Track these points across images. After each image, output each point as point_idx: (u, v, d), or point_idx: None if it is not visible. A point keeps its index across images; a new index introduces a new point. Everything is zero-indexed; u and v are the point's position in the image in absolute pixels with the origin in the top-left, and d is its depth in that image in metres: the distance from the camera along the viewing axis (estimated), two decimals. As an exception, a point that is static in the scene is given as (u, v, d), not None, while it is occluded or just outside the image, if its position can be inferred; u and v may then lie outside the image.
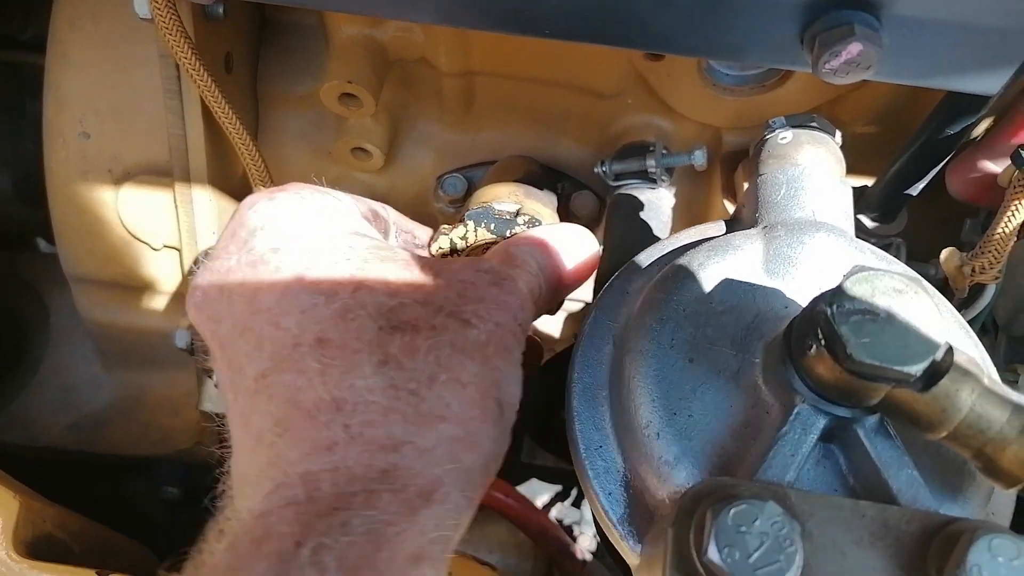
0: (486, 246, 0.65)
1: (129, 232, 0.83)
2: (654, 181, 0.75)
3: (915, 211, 0.71)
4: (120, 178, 0.81)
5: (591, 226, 0.82)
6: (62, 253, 0.88)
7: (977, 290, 0.61)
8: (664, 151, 0.74)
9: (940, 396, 0.36)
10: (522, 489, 1.09)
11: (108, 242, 0.85)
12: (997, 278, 0.59)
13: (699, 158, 0.72)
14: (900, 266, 0.49)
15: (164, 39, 0.65)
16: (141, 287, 0.89)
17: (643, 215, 0.73)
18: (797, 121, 0.52)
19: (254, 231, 0.40)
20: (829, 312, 0.36)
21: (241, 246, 0.40)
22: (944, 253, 0.60)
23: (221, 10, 0.70)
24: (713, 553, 0.33)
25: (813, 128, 0.52)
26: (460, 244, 0.65)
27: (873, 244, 0.70)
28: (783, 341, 0.41)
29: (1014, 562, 0.34)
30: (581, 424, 0.46)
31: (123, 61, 0.78)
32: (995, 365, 0.64)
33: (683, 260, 0.47)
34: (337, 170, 0.84)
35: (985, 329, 0.67)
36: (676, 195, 0.82)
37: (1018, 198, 0.55)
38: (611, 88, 0.76)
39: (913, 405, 0.37)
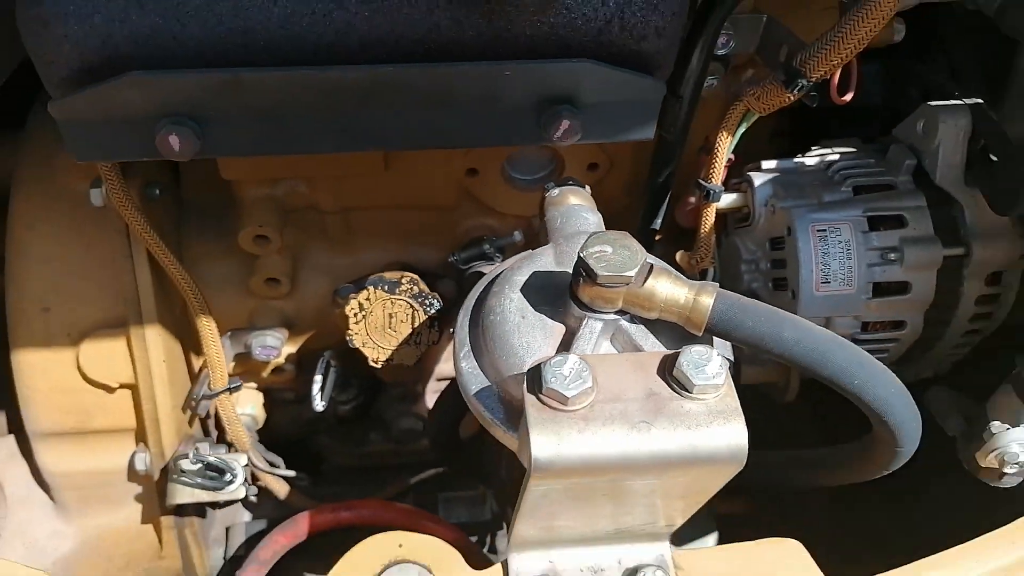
0: (385, 303, 0.91)
1: (88, 380, 1.02)
2: (492, 259, 1.05)
3: (667, 244, 1.04)
4: (78, 338, 1.01)
5: (457, 303, 1.09)
6: (26, 414, 1.05)
7: (704, 273, 0.93)
8: (494, 237, 1.05)
9: (648, 289, 0.65)
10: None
11: (69, 394, 1.03)
12: (712, 263, 0.91)
13: (517, 236, 1.03)
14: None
15: (121, 213, 0.90)
16: (98, 430, 1.07)
17: (489, 283, 1.02)
18: (561, 182, 0.84)
19: None
20: (581, 256, 0.65)
21: None
22: (677, 256, 0.93)
23: (157, 191, 0.96)
24: (550, 386, 0.59)
25: (569, 184, 0.84)
26: (365, 304, 0.92)
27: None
28: (570, 289, 0.69)
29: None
30: (465, 377, 0.71)
31: (75, 246, 1.00)
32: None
33: (504, 270, 0.76)
34: (254, 302, 1.08)
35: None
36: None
37: (705, 209, 0.88)
38: (450, 203, 1.07)
39: (637, 299, 0.65)
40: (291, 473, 1.11)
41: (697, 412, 0.60)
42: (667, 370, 0.62)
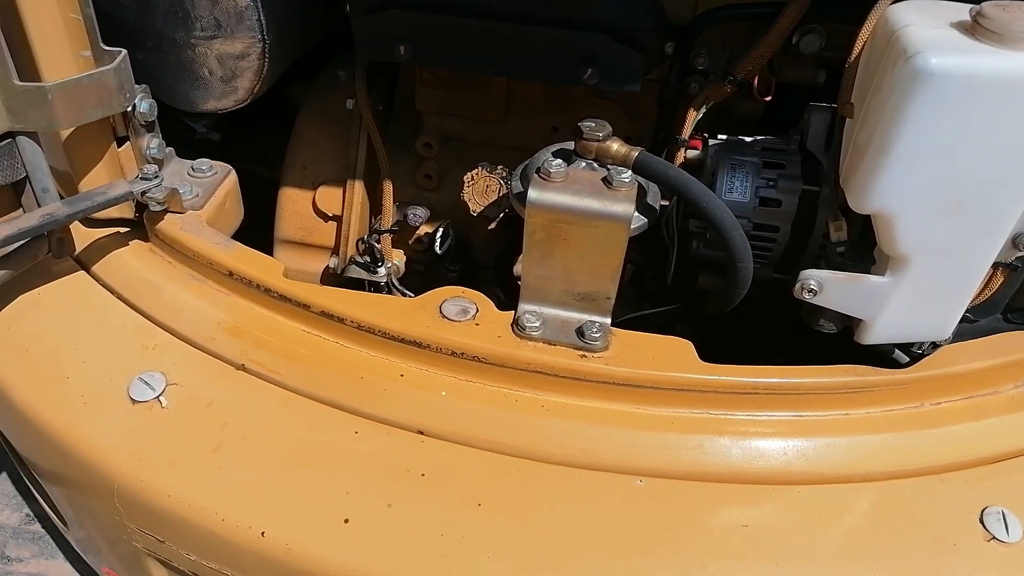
0: (486, 179, 1.59)
1: (316, 210, 1.77)
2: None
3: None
4: (317, 184, 1.77)
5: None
6: (277, 225, 1.81)
7: (674, 194, 1.55)
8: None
9: (607, 145, 1.28)
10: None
11: (303, 217, 1.79)
12: (680, 188, 1.53)
13: (576, 171, 1.69)
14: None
15: (362, 112, 1.66)
16: (312, 244, 1.81)
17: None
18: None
19: None
20: (579, 125, 1.31)
21: None
22: (660, 180, 1.55)
23: (381, 107, 1.72)
24: (544, 168, 1.24)
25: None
26: (476, 176, 1.60)
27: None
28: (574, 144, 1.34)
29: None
30: (515, 189, 1.36)
31: (328, 133, 1.78)
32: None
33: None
34: (414, 189, 1.80)
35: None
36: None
37: (677, 152, 1.51)
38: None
39: (602, 151, 1.29)
40: (412, 295, 1.78)
41: (612, 195, 1.23)
42: (606, 178, 1.25)
